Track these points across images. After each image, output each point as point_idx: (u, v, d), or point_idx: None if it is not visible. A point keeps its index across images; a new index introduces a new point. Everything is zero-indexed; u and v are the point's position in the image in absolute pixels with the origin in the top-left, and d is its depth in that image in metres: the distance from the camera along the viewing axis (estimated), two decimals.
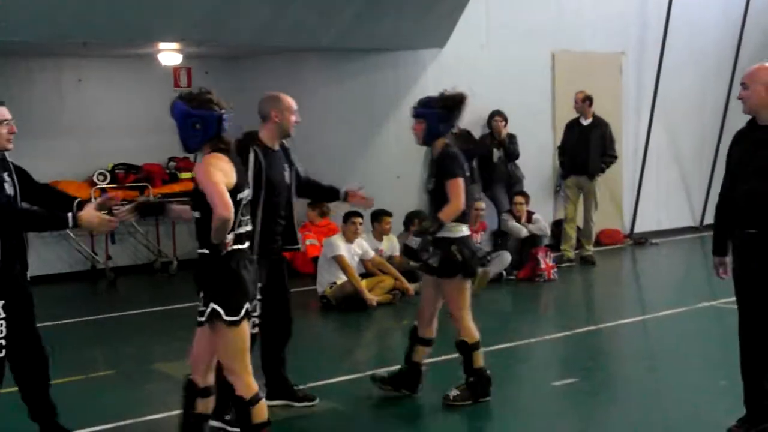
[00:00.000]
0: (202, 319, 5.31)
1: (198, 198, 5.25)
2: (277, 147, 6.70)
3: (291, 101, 6.69)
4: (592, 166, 12.99)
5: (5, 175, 5.79)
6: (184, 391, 5.56)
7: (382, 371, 7.26)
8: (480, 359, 7.01)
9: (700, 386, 7.46)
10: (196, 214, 5.32)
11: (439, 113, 6.83)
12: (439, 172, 6.83)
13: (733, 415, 6.67)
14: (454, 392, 6.96)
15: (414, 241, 6.71)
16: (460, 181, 6.76)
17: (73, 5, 9.62)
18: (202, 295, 5.28)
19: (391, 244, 11.18)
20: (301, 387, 7.04)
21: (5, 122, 5.72)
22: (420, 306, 7.20)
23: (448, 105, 6.89)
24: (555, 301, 11.52)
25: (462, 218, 6.82)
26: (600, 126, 13.13)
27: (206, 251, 5.24)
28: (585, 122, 13.13)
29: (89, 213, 5.57)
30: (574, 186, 13.13)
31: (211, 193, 5.09)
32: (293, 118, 6.66)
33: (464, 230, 6.84)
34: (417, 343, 7.13)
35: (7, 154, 5.81)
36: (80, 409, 7.05)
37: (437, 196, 6.82)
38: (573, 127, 13.19)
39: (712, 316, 10.11)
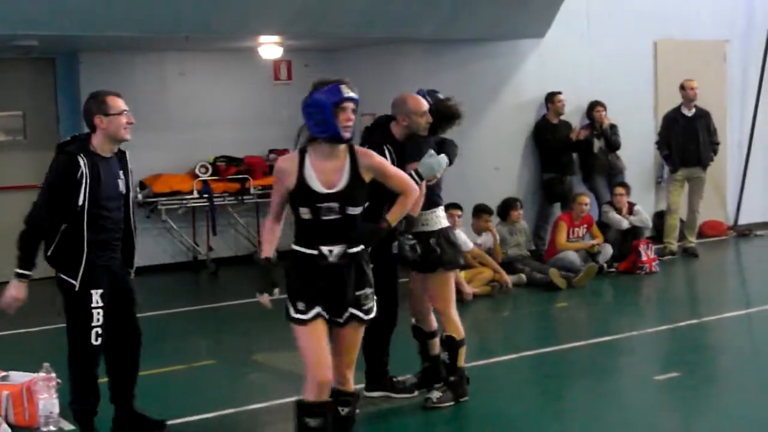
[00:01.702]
0: (372, 316, 5.37)
1: (366, 188, 5.25)
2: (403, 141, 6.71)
3: (417, 103, 6.64)
4: (705, 156, 12.78)
5: (120, 173, 5.96)
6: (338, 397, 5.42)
7: (410, 377, 7.09)
8: (462, 357, 6.84)
9: None
10: (358, 210, 5.23)
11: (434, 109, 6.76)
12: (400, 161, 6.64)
13: None
14: (436, 394, 6.78)
15: (395, 247, 6.66)
16: None
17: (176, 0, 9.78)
18: (369, 291, 5.31)
19: (491, 237, 11.12)
20: (400, 378, 7.06)
21: (125, 112, 5.89)
22: (411, 302, 7.02)
23: (442, 111, 6.81)
24: (657, 293, 11.34)
25: (438, 208, 6.71)
26: (704, 116, 12.89)
27: (363, 247, 5.30)
28: (689, 113, 12.88)
29: (20, 286, 5.78)
30: (683, 178, 12.88)
31: (403, 174, 5.43)
32: (422, 120, 6.65)
33: (442, 221, 6.71)
34: (427, 339, 7.01)
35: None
36: (183, 398, 7.20)
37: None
38: (676, 119, 12.92)
39: None
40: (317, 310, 5.15)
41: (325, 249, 5.12)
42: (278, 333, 9.10)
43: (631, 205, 12.29)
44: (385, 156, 6.50)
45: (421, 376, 7.08)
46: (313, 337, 5.15)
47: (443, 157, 6.52)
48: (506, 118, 12.69)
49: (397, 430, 6.63)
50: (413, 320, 7.05)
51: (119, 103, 5.90)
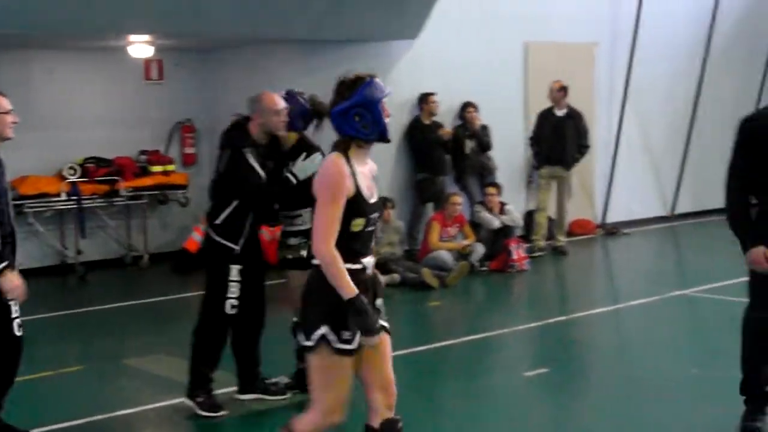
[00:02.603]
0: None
1: None
2: (265, 141, 6.70)
3: (271, 101, 6.63)
4: (569, 157, 13.05)
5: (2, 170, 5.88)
6: None
7: (283, 378, 7.08)
8: None
9: (672, 375, 7.51)
10: None
11: (306, 109, 6.78)
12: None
13: (704, 402, 6.75)
14: None
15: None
16: None
17: None
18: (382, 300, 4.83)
19: None
20: (273, 380, 7.02)
21: (11, 112, 5.84)
22: (295, 299, 7.00)
23: (319, 110, 6.85)
24: (527, 291, 11.55)
25: None
26: (574, 117, 13.16)
27: None
28: (559, 113, 13.15)
29: (13, 276, 5.72)
30: (548, 176, 13.16)
31: None
32: (275, 119, 6.62)
33: None
34: None
35: None
36: (50, 406, 7.04)
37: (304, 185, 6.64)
38: (547, 117, 13.19)
39: (683, 304, 10.19)
40: (358, 336, 4.53)
41: (365, 261, 4.62)
42: (148, 338, 9.07)
43: (502, 205, 12.48)
44: (245, 162, 6.51)
45: (296, 377, 7.06)
46: (349, 373, 4.61)
47: (317, 158, 6.53)
48: None
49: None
50: (295, 318, 7.02)
51: (5, 103, 5.85)
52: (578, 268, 12.90)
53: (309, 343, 4.51)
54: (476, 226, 12.27)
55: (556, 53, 14.15)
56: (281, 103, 6.66)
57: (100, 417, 6.70)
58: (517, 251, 11.97)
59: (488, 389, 7.42)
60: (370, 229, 4.61)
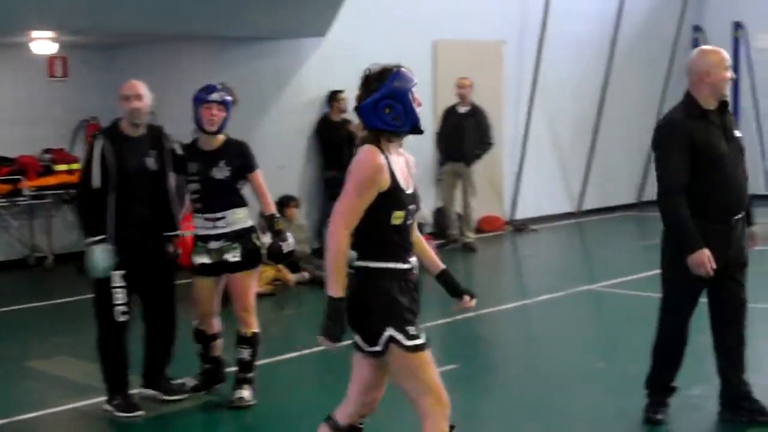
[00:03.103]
0: None
1: None
2: (137, 133, 6.62)
3: (125, 87, 6.61)
4: (468, 154, 13.14)
5: None
6: None
7: (188, 380, 7.01)
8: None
9: (579, 369, 7.62)
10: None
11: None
12: (246, 161, 6.77)
13: (610, 395, 6.86)
14: (247, 393, 6.78)
15: (287, 245, 6.72)
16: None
17: None
18: None
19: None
20: (179, 381, 6.94)
21: None
22: (199, 306, 6.87)
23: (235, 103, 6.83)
24: (435, 288, 11.45)
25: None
26: (476, 114, 13.24)
27: None
28: (462, 110, 13.24)
29: None
30: (451, 172, 13.26)
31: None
32: (127, 105, 6.56)
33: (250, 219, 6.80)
34: (210, 342, 6.93)
35: None
36: None
37: (231, 185, 6.71)
38: (450, 114, 13.29)
39: (590, 299, 10.35)
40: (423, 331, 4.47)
41: (413, 260, 4.50)
42: (53, 339, 8.90)
43: None
44: (89, 153, 6.57)
45: (204, 378, 7.00)
46: (432, 361, 4.50)
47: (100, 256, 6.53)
48: (289, 116, 12.70)
49: None
50: (195, 323, 6.94)
51: None
52: (487, 264, 13.01)
53: (377, 348, 4.37)
54: None
55: (465, 51, 14.26)
56: (134, 89, 6.57)
57: (3, 421, 6.55)
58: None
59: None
60: (409, 221, 4.45)
